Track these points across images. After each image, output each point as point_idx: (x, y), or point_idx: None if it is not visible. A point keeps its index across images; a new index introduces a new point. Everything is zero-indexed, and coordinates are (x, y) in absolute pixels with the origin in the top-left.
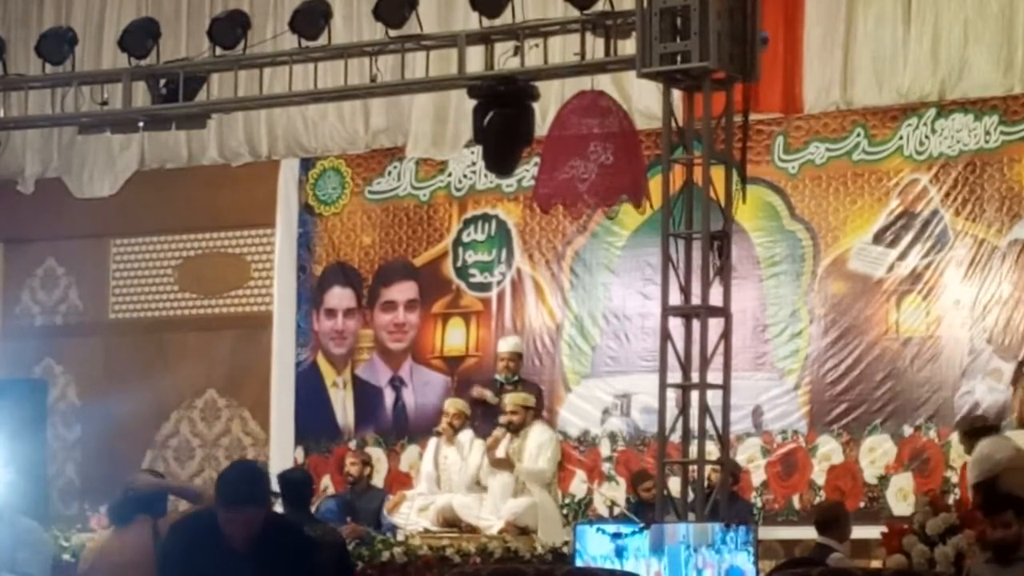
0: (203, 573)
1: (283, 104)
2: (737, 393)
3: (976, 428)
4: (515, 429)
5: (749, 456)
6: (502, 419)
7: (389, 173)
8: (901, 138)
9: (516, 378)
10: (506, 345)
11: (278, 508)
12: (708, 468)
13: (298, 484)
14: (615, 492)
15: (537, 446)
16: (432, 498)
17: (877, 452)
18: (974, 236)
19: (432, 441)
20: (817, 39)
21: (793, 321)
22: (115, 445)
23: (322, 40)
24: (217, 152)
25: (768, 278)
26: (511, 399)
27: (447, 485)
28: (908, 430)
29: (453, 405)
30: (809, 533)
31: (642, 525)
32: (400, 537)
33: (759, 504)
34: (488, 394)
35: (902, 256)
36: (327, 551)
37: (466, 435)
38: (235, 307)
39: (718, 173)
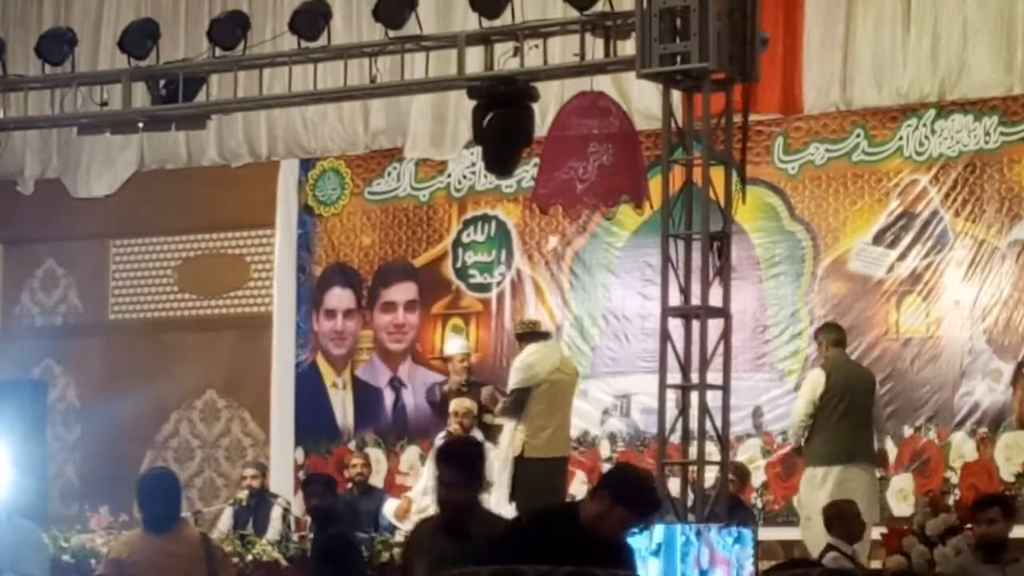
0: (565, 561)
1: (283, 105)
2: (737, 394)
3: (525, 333)
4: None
5: (749, 457)
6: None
7: (389, 174)
8: (901, 139)
9: (472, 379)
10: (455, 347)
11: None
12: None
13: None
14: None
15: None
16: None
17: None
18: (974, 237)
19: (440, 441)
20: (817, 39)
21: (793, 322)
22: (115, 445)
23: (322, 41)
24: (217, 153)
25: (768, 279)
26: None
27: None
28: (908, 431)
29: (460, 405)
30: None
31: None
32: (400, 537)
33: (759, 505)
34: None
35: (902, 257)
36: None
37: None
38: (235, 308)
39: (718, 173)
